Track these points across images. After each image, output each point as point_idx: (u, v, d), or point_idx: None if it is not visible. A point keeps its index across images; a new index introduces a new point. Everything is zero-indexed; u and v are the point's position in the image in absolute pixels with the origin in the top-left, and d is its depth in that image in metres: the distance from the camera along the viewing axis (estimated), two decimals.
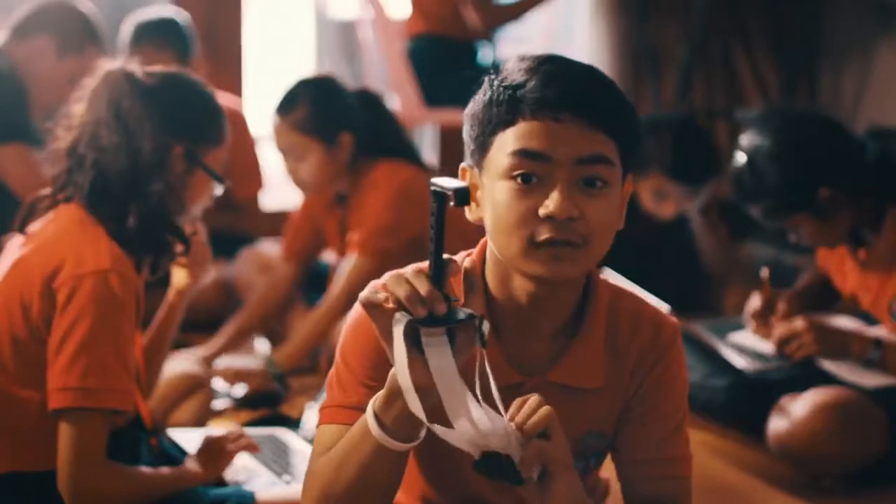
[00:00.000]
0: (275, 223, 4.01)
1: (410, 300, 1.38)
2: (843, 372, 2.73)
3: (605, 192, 1.49)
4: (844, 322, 2.96)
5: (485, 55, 4.60)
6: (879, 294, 2.73)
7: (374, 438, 1.44)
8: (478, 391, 1.40)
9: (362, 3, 5.10)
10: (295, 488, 2.18)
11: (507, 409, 1.46)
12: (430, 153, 4.77)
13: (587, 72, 1.51)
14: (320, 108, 3.15)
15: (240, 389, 3.06)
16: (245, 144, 3.99)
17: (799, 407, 2.64)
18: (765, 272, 2.89)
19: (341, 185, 3.26)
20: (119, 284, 1.97)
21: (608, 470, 1.78)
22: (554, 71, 1.49)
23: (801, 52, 4.96)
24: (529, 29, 5.85)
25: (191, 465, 2.13)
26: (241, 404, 3.03)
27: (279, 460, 2.35)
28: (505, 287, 1.55)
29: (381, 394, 1.45)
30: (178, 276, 2.29)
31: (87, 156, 2.05)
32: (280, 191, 4.34)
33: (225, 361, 3.13)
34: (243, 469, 2.26)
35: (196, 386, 2.91)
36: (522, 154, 1.47)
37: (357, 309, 1.58)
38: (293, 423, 2.62)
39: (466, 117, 1.55)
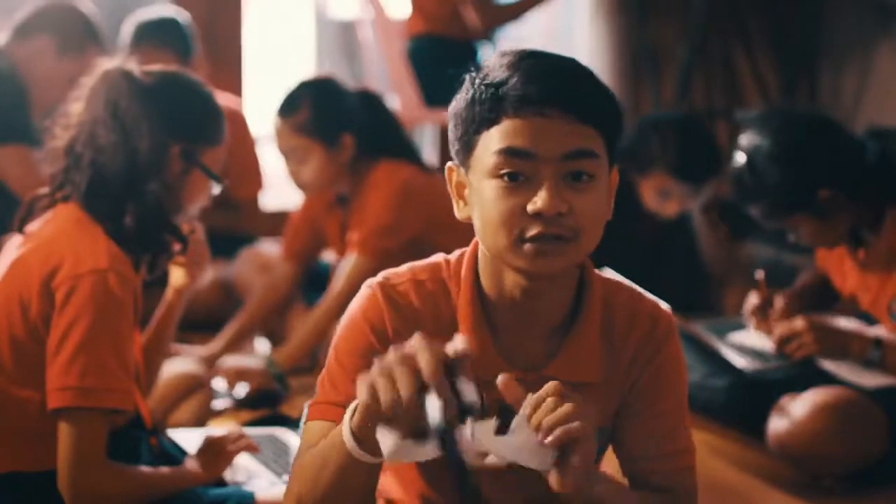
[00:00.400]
0: (275, 223, 4.01)
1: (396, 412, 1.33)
2: (843, 372, 2.73)
3: (593, 185, 1.49)
4: (844, 322, 2.96)
5: (485, 55, 4.60)
6: (879, 294, 2.73)
7: (348, 448, 1.43)
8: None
9: (362, 4, 5.10)
10: None
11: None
12: (430, 153, 4.78)
13: (569, 66, 1.50)
14: (321, 110, 3.15)
15: (241, 389, 3.06)
16: (245, 144, 3.99)
17: (799, 407, 2.64)
18: (760, 274, 2.89)
19: (342, 186, 3.26)
20: (117, 284, 1.97)
21: (609, 467, 1.78)
22: (535, 66, 1.48)
23: (801, 52, 4.96)
24: (529, 29, 5.86)
25: (191, 465, 2.13)
26: (241, 404, 3.03)
27: (279, 460, 2.35)
28: (498, 284, 1.55)
29: (357, 413, 1.40)
30: (176, 276, 2.29)
31: (85, 155, 2.05)
32: (280, 191, 4.34)
33: (227, 361, 3.13)
34: (243, 469, 2.26)
35: (196, 386, 2.91)
36: (508, 152, 1.47)
37: (351, 309, 1.58)
38: (293, 423, 2.61)
39: (450, 116, 1.55)
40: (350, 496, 1.49)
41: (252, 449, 2.23)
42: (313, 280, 3.51)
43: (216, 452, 2.16)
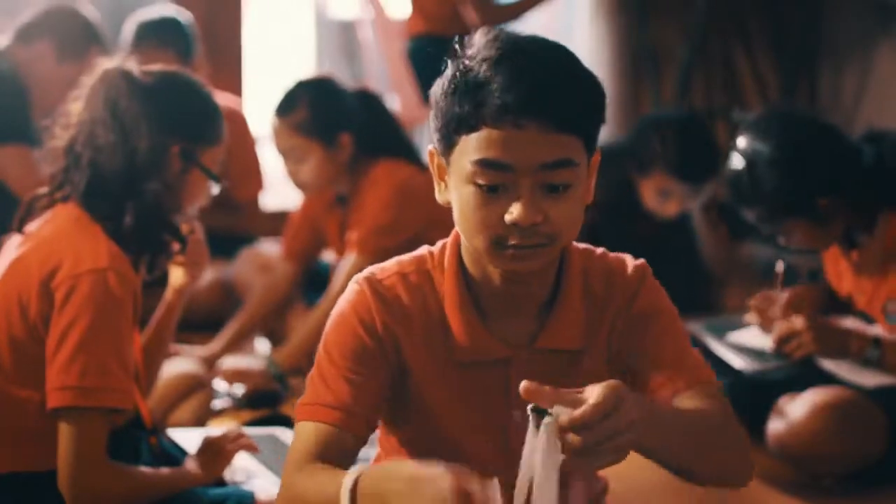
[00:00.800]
0: (275, 223, 4.02)
1: None
2: (843, 371, 2.73)
3: (570, 192, 1.48)
4: (846, 321, 2.95)
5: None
6: (873, 296, 2.74)
7: None
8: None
9: (362, 3, 5.11)
10: None
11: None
12: None
13: (550, 68, 1.46)
14: (320, 110, 3.15)
15: (238, 389, 3.06)
16: (245, 145, 3.99)
17: (798, 407, 2.64)
18: (780, 266, 2.87)
19: (341, 186, 3.26)
20: (117, 283, 1.97)
21: (608, 470, 1.78)
22: (516, 70, 1.45)
23: (801, 52, 4.96)
24: (529, 29, 5.86)
25: (190, 465, 2.13)
26: (241, 404, 3.03)
27: (279, 460, 2.34)
28: (481, 271, 1.57)
29: (363, 488, 1.39)
30: (176, 276, 2.29)
31: (84, 154, 2.05)
32: (280, 191, 4.34)
33: (228, 361, 3.13)
34: (243, 469, 2.26)
35: (196, 386, 2.91)
36: (485, 164, 1.46)
37: (340, 305, 1.59)
38: (293, 424, 2.61)
39: (432, 100, 1.53)
40: None
41: (251, 448, 2.23)
42: (313, 280, 3.51)
43: (215, 452, 2.16)
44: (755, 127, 2.73)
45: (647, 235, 3.60)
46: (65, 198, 2.08)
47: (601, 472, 1.77)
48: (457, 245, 1.58)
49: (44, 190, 2.12)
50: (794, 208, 2.66)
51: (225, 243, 3.70)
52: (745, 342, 2.95)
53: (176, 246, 2.13)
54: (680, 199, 3.55)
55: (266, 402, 3.03)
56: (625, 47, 5.11)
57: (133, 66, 2.11)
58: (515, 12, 4.56)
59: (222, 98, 2.49)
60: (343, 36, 6.26)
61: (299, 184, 3.23)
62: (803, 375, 2.77)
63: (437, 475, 1.33)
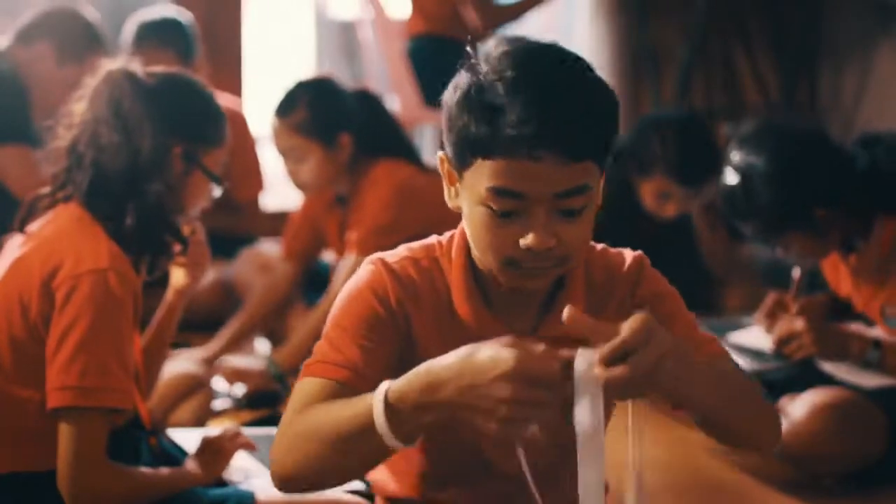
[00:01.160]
0: (275, 223, 4.02)
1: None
2: (842, 372, 2.74)
3: (584, 213, 1.49)
4: (848, 324, 2.96)
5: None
6: (870, 299, 2.75)
7: (374, 430, 1.41)
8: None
9: (362, 3, 5.11)
10: None
11: None
12: (430, 153, 4.78)
13: (568, 92, 1.44)
14: (319, 110, 3.15)
15: (238, 389, 3.06)
16: (245, 145, 3.99)
17: (798, 407, 2.64)
18: (797, 272, 2.86)
19: (341, 186, 3.26)
20: (117, 283, 1.97)
21: (608, 471, 1.78)
22: (533, 97, 1.43)
23: (801, 52, 4.96)
24: (530, 29, 5.85)
25: (190, 465, 2.14)
26: (241, 404, 3.04)
27: None
28: (487, 267, 1.57)
29: (401, 387, 1.39)
30: (177, 276, 2.29)
31: (87, 154, 2.05)
32: (280, 191, 4.34)
33: (227, 361, 3.13)
34: (241, 469, 2.26)
35: (196, 386, 2.91)
36: (499, 192, 1.46)
37: (352, 283, 1.60)
38: None
39: (444, 107, 1.52)
40: (345, 477, 1.50)
41: (249, 447, 2.23)
42: (313, 280, 3.51)
43: (214, 452, 2.17)
44: (748, 141, 2.73)
45: (647, 236, 3.60)
46: (67, 198, 2.09)
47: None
48: (465, 237, 1.59)
49: (46, 189, 2.12)
50: (790, 221, 2.67)
51: (225, 243, 3.70)
52: (746, 343, 2.95)
53: (177, 247, 2.13)
54: (679, 200, 3.55)
55: (266, 402, 3.03)
56: (625, 47, 5.11)
57: (137, 66, 2.11)
58: (515, 12, 4.57)
59: (222, 98, 2.49)
60: (343, 36, 6.27)
61: (299, 184, 3.23)
62: (803, 376, 2.77)
63: (489, 343, 1.36)
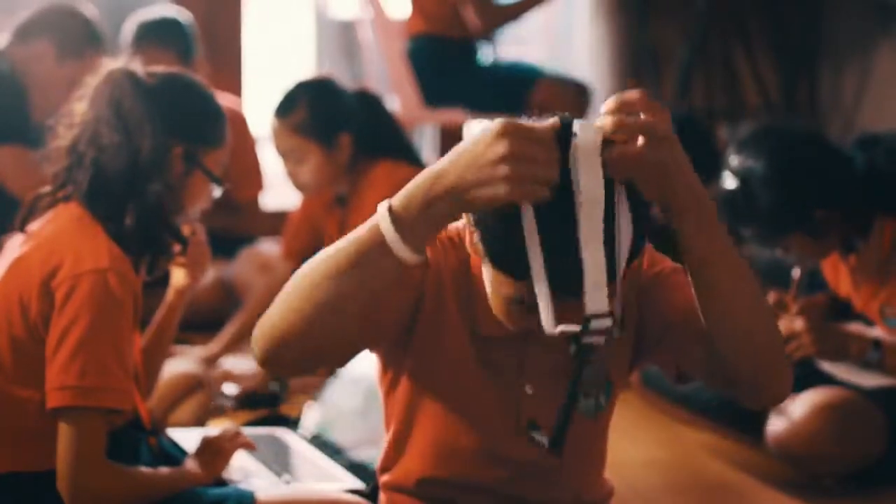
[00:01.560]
0: (275, 223, 4.02)
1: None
2: (842, 372, 2.74)
3: None
4: (847, 324, 2.96)
5: (485, 55, 4.60)
6: (869, 299, 2.75)
7: (382, 246, 1.35)
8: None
9: (362, 3, 5.11)
10: (295, 488, 2.18)
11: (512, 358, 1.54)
12: (430, 153, 4.78)
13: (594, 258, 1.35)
14: (319, 111, 3.15)
15: (230, 389, 3.05)
16: (245, 145, 3.99)
17: (798, 407, 2.64)
18: (796, 273, 2.87)
19: (341, 186, 3.26)
20: (117, 283, 1.97)
21: (608, 471, 1.78)
22: (557, 266, 1.36)
23: (801, 52, 4.96)
24: (529, 29, 5.86)
25: (190, 465, 2.14)
26: (241, 404, 3.03)
27: (279, 460, 2.35)
28: None
29: (403, 195, 1.35)
30: (177, 277, 2.29)
31: (87, 154, 2.05)
32: (280, 191, 4.34)
33: (229, 362, 3.13)
34: (243, 469, 2.26)
35: (196, 386, 2.91)
36: (511, 300, 1.46)
37: None
38: (293, 423, 2.62)
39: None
40: (347, 322, 1.41)
41: (249, 446, 2.23)
42: None
43: (214, 451, 2.17)
44: (746, 144, 2.74)
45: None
46: (67, 197, 2.09)
47: (608, 476, 1.77)
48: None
49: (46, 189, 2.12)
50: (790, 223, 2.67)
51: (225, 243, 3.70)
52: None
53: (177, 247, 2.13)
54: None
55: (265, 402, 3.03)
56: (625, 47, 5.11)
57: (138, 66, 2.11)
58: (515, 13, 4.57)
59: (222, 98, 2.49)
60: (343, 36, 6.26)
61: (299, 184, 3.23)
62: (803, 376, 2.77)
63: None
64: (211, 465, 2.15)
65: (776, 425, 2.68)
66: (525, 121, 1.35)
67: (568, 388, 1.38)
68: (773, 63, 5.00)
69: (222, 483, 2.17)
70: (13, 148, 3.40)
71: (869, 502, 2.64)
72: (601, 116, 1.37)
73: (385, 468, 1.72)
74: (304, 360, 1.46)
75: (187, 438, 2.33)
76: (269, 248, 3.89)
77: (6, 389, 2.00)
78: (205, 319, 3.50)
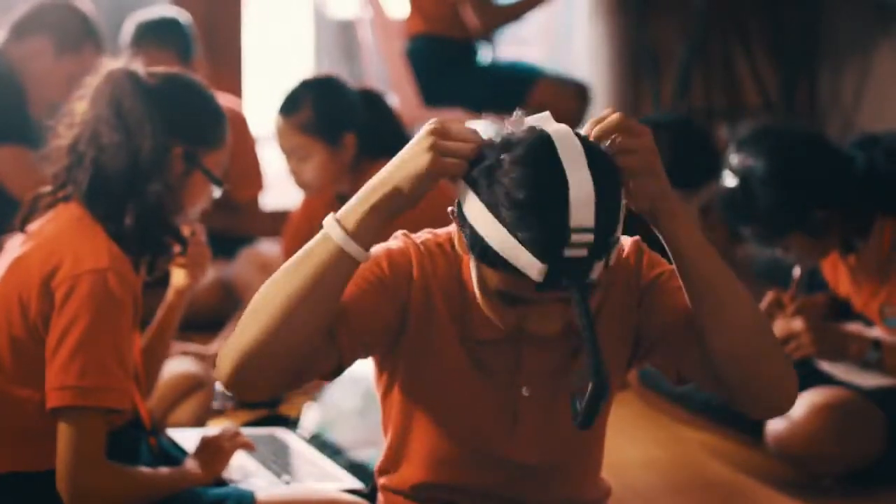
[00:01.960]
0: (275, 223, 4.01)
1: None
2: (841, 372, 2.74)
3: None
4: (847, 324, 2.96)
5: (484, 55, 4.60)
6: (869, 299, 2.75)
7: (334, 252, 1.48)
8: None
9: (361, 3, 5.11)
10: (295, 488, 2.18)
11: (504, 363, 1.57)
12: None
13: (583, 223, 1.40)
14: (324, 110, 3.14)
15: None
16: (245, 145, 3.99)
17: (797, 407, 2.64)
18: (797, 272, 2.87)
19: (343, 185, 3.26)
20: (117, 283, 1.97)
21: (608, 471, 1.79)
22: (545, 235, 1.40)
23: (800, 53, 4.96)
24: (529, 29, 5.86)
25: (190, 465, 2.14)
26: (240, 404, 3.03)
27: (278, 460, 2.35)
28: None
29: (346, 206, 1.51)
30: (177, 277, 2.30)
31: (87, 153, 2.05)
32: (280, 191, 4.34)
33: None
34: (243, 469, 2.27)
35: (196, 386, 2.91)
36: (503, 295, 1.47)
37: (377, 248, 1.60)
38: (292, 423, 2.62)
39: (462, 187, 1.48)
40: (318, 305, 1.47)
41: (248, 446, 2.23)
42: None
43: (214, 451, 2.17)
44: (746, 144, 2.74)
45: (645, 238, 3.60)
46: (67, 197, 2.09)
47: (606, 476, 1.77)
48: None
49: (46, 189, 2.12)
50: (790, 223, 2.68)
51: (225, 243, 3.70)
52: None
53: (177, 247, 2.13)
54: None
55: (265, 402, 3.03)
56: (625, 47, 5.11)
57: (138, 66, 2.11)
58: (515, 13, 4.57)
59: (222, 98, 2.49)
60: (342, 36, 6.26)
61: (302, 183, 3.22)
62: (802, 376, 2.76)
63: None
64: (211, 465, 2.15)
65: (776, 425, 2.68)
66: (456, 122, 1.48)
67: (588, 349, 1.37)
68: (772, 63, 5.00)
69: (222, 483, 2.17)
70: (13, 148, 3.39)
71: (869, 502, 2.64)
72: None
73: (383, 471, 1.72)
74: (274, 379, 1.49)
75: (187, 438, 2.33)
76: (268, 248, 3.89)
77: (6, 389, 2.00)
78: (205, 319, 3.50)
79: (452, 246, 1.60)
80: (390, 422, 1.69)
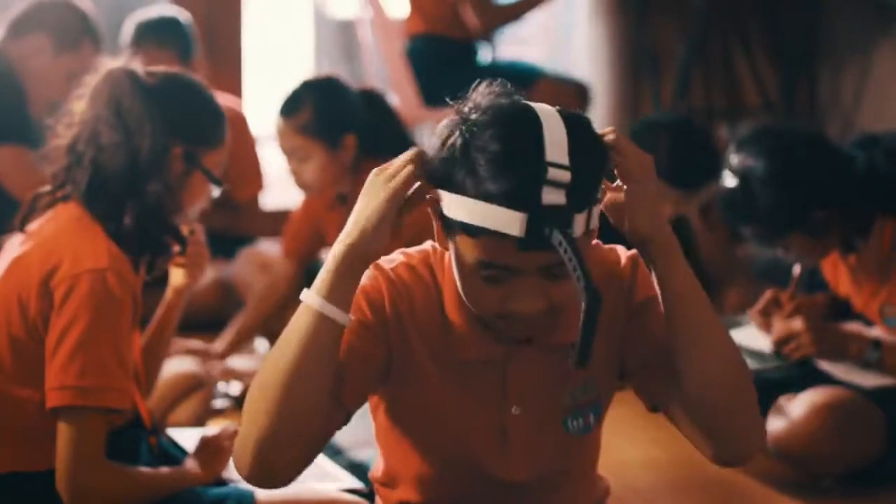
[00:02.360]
0: (275, 223, 4.01)
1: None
2: (841, 372, 2.74)
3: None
4: (846, 324, 2.96)
5: (484, 55, 4.60)
6: (870, 299, 2.76)
7: (315, 315, 1.49)
8: None
9: (361, 3, 5.11)
10: (294, 488, 2.18)
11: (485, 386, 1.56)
12: None
13: (555, 170, 1.41)
14: (325, 111, 3.14)
15: (235, 389, 3.05)
16: (245, 145, 3.99)
17: (796, 407, 2.64)
18: (797, 270, 2.87)
19: (343, 186, 3.26)
20: (116, 283, 1.97)
21: (608, 471, 1.79)
22: (518, 186, 1.40)
23: (800, 52, 4.96)
24: (529, 29, 5.86)
25: (190, 464, 2.14)
26: (240, 404, 3.03)
27: None
28: None
29: (320, 274, 1.53)
30: (176, 276, 2.30)
31: (87, 153, 2.05)
32: (280, 191, 4.34)
33: (233, 361, 3.13)
34: None
35: (196, 386, 2.91)
36: (485, 265, 1.45)
37: None
38: None
39: (433, 161, 1.52)
40: (313, 376, 1.47)
41: None
42: (311, 280, 3.50)
43: (214, 451, 2.17)
44: (746, 144, 2.74)
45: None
46: (66, 197, 2.09)
47: (602, 474, 1.77)
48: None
49: (46, 188, 2.12)
50: (790, 223, 2.68)
51: (225, 243, 3.70)
52: (744, 342, 2.95)
53: (176, 247, 2.13)
54: (674, 203, 3.56)
55: None
56: (624, 47, 5.11)
57: (138, 66, 2.11)
58: (514, 13, 4.57)
59: (222, 98, 2.49)
60: (342, 36, 6.26)
61: (302, 184, 3.23)
62: (801, 376, 2.77)
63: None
64: (210, 465, 2.15)
65: (776, 425, 2.67)
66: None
67: (579, 275, 1.37)
68: (772, 63, 5.00)
69: (222, 483, 2.17)
70: (12, 148, 3.39)
71: (868, 502, 2.64)
72: None
73: (377, 480, 1.72)
74: (296, 457, 1.50)
75: (187, 438, 2.33)
76: (268, 248, 3.89)
77: (6, 389, 2.00)
78: (204, 319, 3.50)
79: (428, 266, 1.60)
80: (380, 441, 1.69)
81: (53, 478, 1.94)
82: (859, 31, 4.78)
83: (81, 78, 2.13)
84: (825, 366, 2.77)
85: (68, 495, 1.94)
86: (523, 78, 4.52)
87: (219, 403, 3.02)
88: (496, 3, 4.53)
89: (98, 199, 2.05)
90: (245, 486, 2.14)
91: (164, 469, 2.10)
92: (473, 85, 1.52)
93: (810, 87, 4.97)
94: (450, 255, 1.55)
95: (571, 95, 4.51)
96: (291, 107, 3.15)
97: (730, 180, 2.75)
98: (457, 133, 1.47)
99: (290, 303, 3.49)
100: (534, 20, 5.11)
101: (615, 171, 1.48)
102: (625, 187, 1.49)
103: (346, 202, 3.29)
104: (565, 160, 1.41)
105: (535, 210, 1.40)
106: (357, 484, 2.23)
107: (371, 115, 3.24)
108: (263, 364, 1.50)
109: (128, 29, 3.90)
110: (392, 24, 4.79)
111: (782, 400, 2.70)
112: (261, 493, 2.08)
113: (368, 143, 3.20)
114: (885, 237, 2.70)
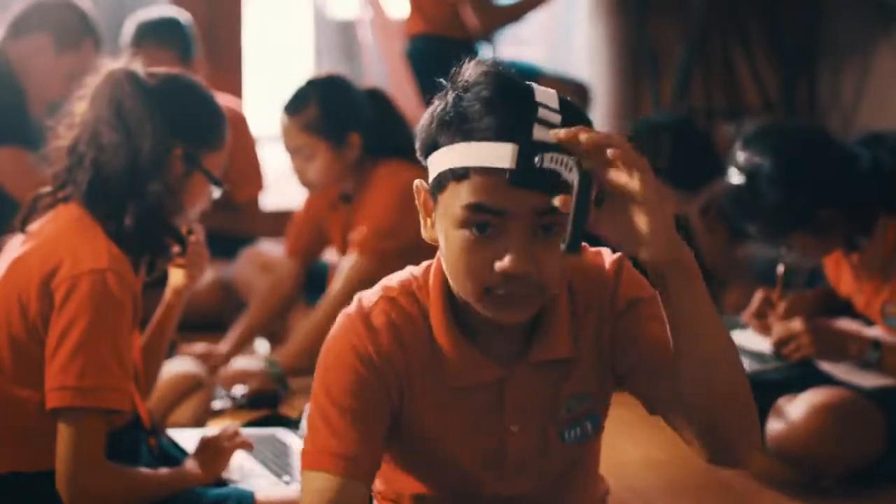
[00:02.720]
0: (275, 223, 4.02)
1: None
2: (841, 372, 2.74)
3: (560, 230, 1.44)
4: (845, 323, 2.96)
5: (484, 55, 4.60)
6: (872, 298, 2.75)
7: None
8: None
9: (362, 3, 5.11)
10: (294, 488, 2.18)
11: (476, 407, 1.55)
12: None
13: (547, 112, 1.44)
14: (330, 110, 3.14)
15: (239, 389, 3.06)
16: (245, 146, 3.99)
17: (796, 408, 2.64)
18: (780, 269, 2.87)
19: (346, 185, 3.26)
20: (116, 284, 1.97)
21: (608, 471, 1.79)
22: (508, 117, 1.43)
23: (800, 53, 4.96)
24: (529, 29, 5.86)
25: (189, 465, 2.14)
26: (241, 405, 3.04)
27: (279, 460, 2.35)
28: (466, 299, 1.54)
29: None
30: (176, 277, 2.30)
31: (87, 154, 2.06)
32: (280, 191, 4.35)
33: (237, 362, 3.13)
34: (243, 469, 2.27)
35: (196, 386, 2.91)
36: (477, 208, 1.44)
37: (333, 339, 1.56)
38: (293, 424, 2.62)
39: (421, 132, 1.53)
40: None
41: (247, 446, 2.23)
42: (312, 279, 3.51)
43: (213, 451, 2.17)
44: (752, 141, 2.74)
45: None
46: (66, 198, 2.09)
47: (602, 474, 1.77)
48: (441, 266, 1.55)
49: (47, 189, 2.12)
50: (794, 221, 2.68)
51: (225, 243, 3.70)
52: (744, 343, 2.95)
53: (176, 248, 2.13)
54: (675, 204, 3.56)
55: (266, 402, 3.03)
56: (624, 47, 5.11)
57: (138, 67, 2.11)
58: (514, 14, 4.56)
59: (222, 98, 2.49)
60: (342, 36, 6.26)
61: (306, 182, 3.23)
62: (801, 376, 2.77)
63: None
64: (211, 465, 2.15)
65: (775, 426, 2.67)
66: None
67: (577, 174, 1.37)
68: (772, 63, 5.00)
69: (222, 483, 2.17)
70: (12, 149, 3.39)
71: (868, 502, 2.63)
72: None
73: (377, 494, 1.71)
74: None
75: (187, 438, 2.33)
76: (268, 248, 3.89)
77: (6, 389, 2.00)
78: (204, 320, 3.51)
79: (410, 294, 1.58)
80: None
81: (53, 478, 1.95)
82: (859, 31, 4.79)
83: (82, 78, 2.14)
84: (825, 366, 2.77)
85: (68, 496, 1.94)
86: (523, 78, 4.52)
87: (219, 404, 3.02)
88: (496, 4, 4.53)
89: (98, 200, 2.05)
90: (245, 486, 2.14)
91: (164, 470, 2.10)
92: (463, 61, 1.53)
93: (810, 87, 4.97)
94: (437, 256, 1.54)
95: (571, 96, 4.49)
96: (297, 104, 3.15)
97: (736, 177, 2.74)
98: (449, 96, 1.50)
99: (292, 302, 3.50)
100: (534, 20, 5.10)
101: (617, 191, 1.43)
102: (633, 209, 1.43)
103: (349, 201, 3.29)
104: (555, 103, 1.45)
105: (526, 142, 1.40)
106: None
107: (376, 114, 3.24)
108: None
109: (128, 29, 3.90)
110: (392, 24, 4.80)
111: (782, 401, 2.70)
112: (261, 493, 2.09)
113: (373, 143, 3.20)
114: (889, 236, 2.70)
